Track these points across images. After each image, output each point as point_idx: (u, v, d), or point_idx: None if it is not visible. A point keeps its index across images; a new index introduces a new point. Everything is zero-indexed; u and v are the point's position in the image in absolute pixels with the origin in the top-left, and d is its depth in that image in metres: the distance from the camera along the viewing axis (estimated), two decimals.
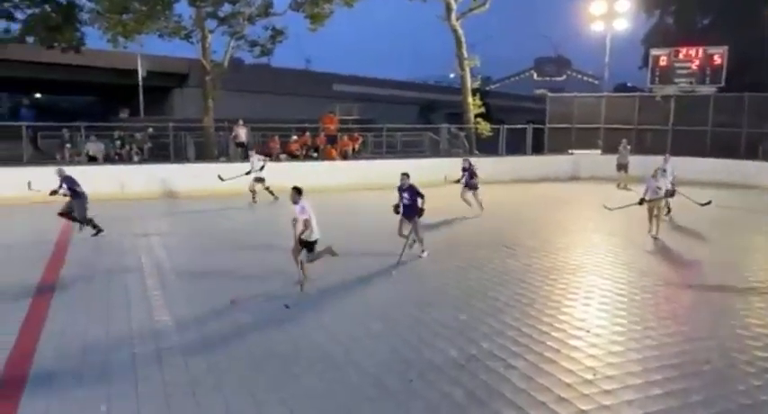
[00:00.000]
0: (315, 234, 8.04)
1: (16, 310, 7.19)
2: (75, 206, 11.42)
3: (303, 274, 8.07)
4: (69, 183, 11.32)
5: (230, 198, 15.99)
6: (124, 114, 32.19)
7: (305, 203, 7.90)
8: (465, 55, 24.28)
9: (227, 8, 21.53)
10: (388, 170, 15.94)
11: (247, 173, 15.61)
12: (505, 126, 23.50)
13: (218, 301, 7.59)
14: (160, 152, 19.96)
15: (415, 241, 9.84)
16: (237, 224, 13.77)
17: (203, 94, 22.31)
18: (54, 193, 11.32)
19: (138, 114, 33.88)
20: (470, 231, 12.85)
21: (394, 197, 10.08)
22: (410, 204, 9.56)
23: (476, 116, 24.46)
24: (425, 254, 9.88)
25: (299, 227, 7.87)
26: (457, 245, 11.32)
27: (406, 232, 9.79)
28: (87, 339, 6.35)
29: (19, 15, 20.14)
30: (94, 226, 11.57)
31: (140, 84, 34.16)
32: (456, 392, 5.20)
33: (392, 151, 23.12)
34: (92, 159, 18.67)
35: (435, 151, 24.54)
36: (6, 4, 19.80)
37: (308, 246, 8.07)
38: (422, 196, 9.47)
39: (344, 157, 21.40)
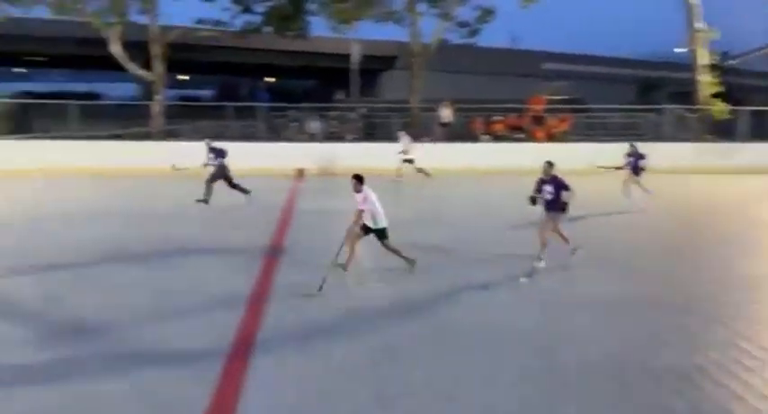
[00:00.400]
0: (381, 221, 7.69)
1: (250, 268, 8.16)
2: (217, 172, 12.48)
3: (405, 259, 7.91)
4: (216, 153, 12.46)
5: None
6: (340, 96, 34.69)
7: (368, 192, 7.64)
8: (699, 26, 21.40)
9: None
10: (598, 153, 14.83)
11: (401, 153, 15.43)
12: (747, 108, 20.29)
13: (426, 271, 7.82)
14: (371, 132, 21.17)
15: (576, 249, 8.56)
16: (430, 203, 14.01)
17: (410, 75, 23.02)
18: (206, 165, 12.50)
19: (351, 96, 36.31)
20: (687, 229, 11.45)
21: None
22: (553, 199, 8.19)
23: (711, 96, 21.50)
24: (578, 252, 8.47)
25: (359, 216, 7.63)
26: (672, 242, 10.15)
27: (547, 232, 8.32)
28: (307, 299, 6.94)
29: (258, 9, 22.75)
30: (237, 186, 12.58)
31: (354, 67, 36.46)
32: (677, 405, 4.64)
33: (606, 133, 21.47)
34: (312, 137, 20.53)
35: (657, 135, 22.17)
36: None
37: (376, 232, 7.75)
38: (567, 189, 8.09)
39: (551, 138, 20.47)
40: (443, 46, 23.39)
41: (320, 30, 24.10)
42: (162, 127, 20.51)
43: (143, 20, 21.15)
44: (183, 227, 10.95)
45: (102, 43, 20.91)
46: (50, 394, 4.76)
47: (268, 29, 23.18)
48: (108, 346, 5.66)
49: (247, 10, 22.37)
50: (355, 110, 23.23)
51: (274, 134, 21.17)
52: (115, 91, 57.07)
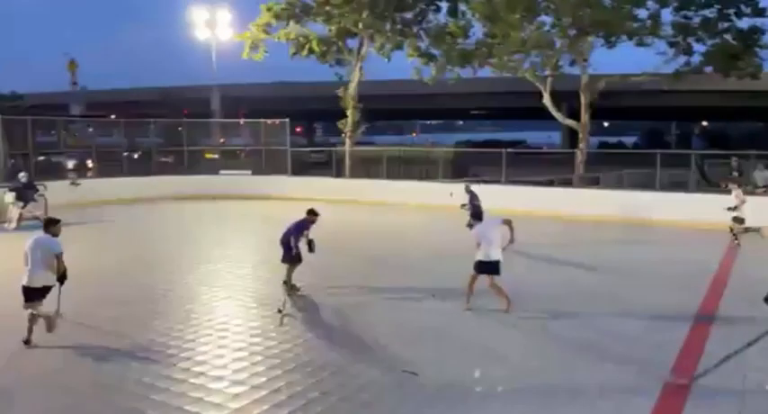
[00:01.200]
0: (492, 254, 7.76)
1: (677, 334, 7.32)
2: (474, 214, 12.18)
3: (507, 299, 7.87)
4: (472, 198, 12.75)
5: None
6: None
7: (479, 226, 8.12)
8: None
9: None
10: None
11: (729, 209, 12.83)
12: None
13: None
14: None
15: None
16: None
17: None
18: (464, 206, 12.82)
19: None
20: None
21: None
22: None
23: None
24: None
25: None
26: None
27: None
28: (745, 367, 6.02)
29: (698, 48, 20.67)
30: None
31: None
32: None
33: None
34: (760, 189, 17.27)
35: None
36: (689, 39, 20.60)
37: (481, 267, 7.82)
38: None
39: None
40: None
41: None
42: (584, 174, 20.55)
43: (573, 70, 21.79)
44: (611, 278, 10.46)
45: (531, 95, 22.46)
46: None
47: (708, 69, 20.83)
48: (546, 382, 5.95)
49: (687, 52, 20.59)
50: None
51: (710, 184, 18.72)
52: (537, 138, 61.51)
